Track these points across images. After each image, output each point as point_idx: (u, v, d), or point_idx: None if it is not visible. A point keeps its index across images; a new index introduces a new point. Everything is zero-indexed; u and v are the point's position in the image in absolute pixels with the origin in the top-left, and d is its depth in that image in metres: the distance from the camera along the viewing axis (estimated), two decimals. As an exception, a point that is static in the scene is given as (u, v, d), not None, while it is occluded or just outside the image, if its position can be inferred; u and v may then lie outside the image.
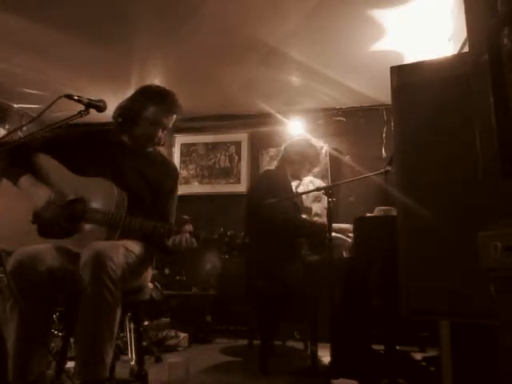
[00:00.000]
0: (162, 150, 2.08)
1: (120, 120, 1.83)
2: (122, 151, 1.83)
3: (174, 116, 1.87)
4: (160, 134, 1.85)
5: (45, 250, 1.54)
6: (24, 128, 3.28)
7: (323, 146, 4.12)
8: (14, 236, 1.65)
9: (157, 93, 1.85)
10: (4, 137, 1.63)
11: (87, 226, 1.63)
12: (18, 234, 1.65)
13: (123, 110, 1.84)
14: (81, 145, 1.79)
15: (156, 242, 1.74)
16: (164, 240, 1.64)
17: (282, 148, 2.92)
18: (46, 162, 1.73)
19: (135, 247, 1.69)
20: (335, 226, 2.62)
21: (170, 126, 1.87)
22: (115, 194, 1.63)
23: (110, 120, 1.87)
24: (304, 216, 2.89)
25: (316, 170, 2.94)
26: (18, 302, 1.39)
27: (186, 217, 3.71)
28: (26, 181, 1.66)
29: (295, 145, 2.89)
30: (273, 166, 3.07)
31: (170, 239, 1.59)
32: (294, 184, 2.88)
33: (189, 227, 1.62)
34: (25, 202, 1.64)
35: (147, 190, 1.82)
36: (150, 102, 1.80)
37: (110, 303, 1.42)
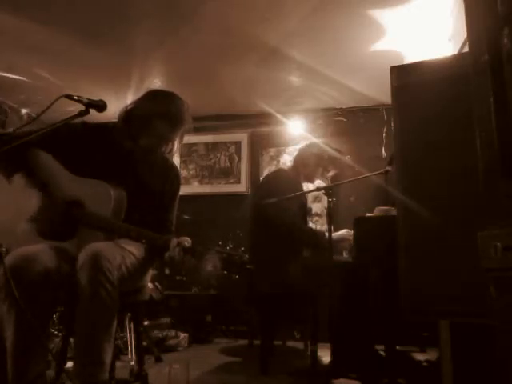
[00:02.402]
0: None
1: (124, 125, 1.79)
2: (121, 153, 1.79)
3: (182, 128, 1.81)
4: (163, 147, 1.82)
5: (41, 250, 1.51)
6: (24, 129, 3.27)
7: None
8: (12, 232, 1.64)
9: (164, 103, 1.79)
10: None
11: (85, 229, 1.60)
12: (16, 231, 1.63)
13: (129, 117, 1.79)
14: (79, 141, 1.73)
15: (153, 250, 1.72)
16: (161, 251, 1.60)
17: (297, 149, 2.90)
18: (43, 158, 1.69)
19: (135, 248, 1.67)
20: (335, 235, 2.63)
21: (176, 137, 1.83)
22: (112, 198, 1.61)
23: (110, 120, 1.83)
24: (310, 224, 2.88)
25: (330, 175, 2.92)
26: (14, 303, 1.37)
27: (186, 217, 3.72)
28: (20, 180, 1.62)
29: (310, 148, 2.88)
30: (273, 165, 3.07)
31: (166, 254, 1.55)
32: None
33: (187, 242, 1.55)
34: (23, 198, 1.63)
35: (146, 196, 1.78)
36: (157, 115, 1.74)
37: (107, 304, 1.41)
